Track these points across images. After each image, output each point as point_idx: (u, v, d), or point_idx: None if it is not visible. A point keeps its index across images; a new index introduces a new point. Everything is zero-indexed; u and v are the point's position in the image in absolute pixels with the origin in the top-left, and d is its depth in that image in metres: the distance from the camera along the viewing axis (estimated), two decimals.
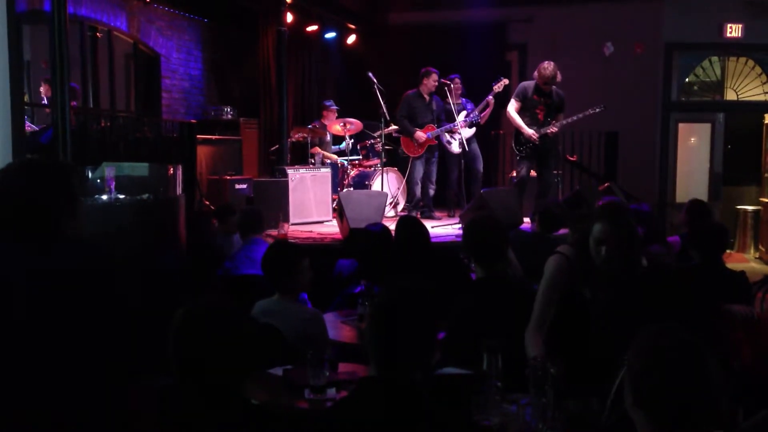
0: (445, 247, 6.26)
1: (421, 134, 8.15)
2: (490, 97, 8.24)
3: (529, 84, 7.40)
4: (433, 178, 8.49)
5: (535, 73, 7.27)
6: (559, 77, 7.21)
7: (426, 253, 4.46)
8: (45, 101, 7.20)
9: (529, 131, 7.24)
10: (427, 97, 8.28)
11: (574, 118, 7.34)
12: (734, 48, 10.42)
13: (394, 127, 8.42)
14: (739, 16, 10.23)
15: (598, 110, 7.32)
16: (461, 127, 8.17)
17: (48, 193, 1.85)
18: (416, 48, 10.65)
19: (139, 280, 1.81)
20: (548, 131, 7.27)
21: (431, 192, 8.52)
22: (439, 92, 8.38)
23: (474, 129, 8.42)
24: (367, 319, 1.91)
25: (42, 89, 7.38)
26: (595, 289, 3.05)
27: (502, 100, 8.36)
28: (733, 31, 10.26)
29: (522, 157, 7.42)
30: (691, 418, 1.55)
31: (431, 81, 8.19)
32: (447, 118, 8.45)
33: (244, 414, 2.12)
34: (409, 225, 4.66)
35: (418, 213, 8.21)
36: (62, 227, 1.83)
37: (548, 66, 7.15)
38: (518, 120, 7.29)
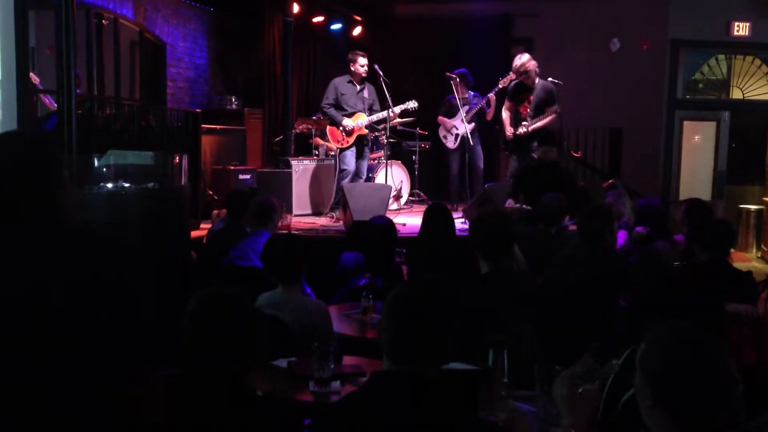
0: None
1: (348, 122, 7.70)
2: (491, 94, 8.15)
3: (514, 80, 7.38)
4: (364, 176, 8.01)
5: None
6: (531, 72, 7.01)
7: (450, 243, 4.44)
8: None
9: (507, 131, 7.22)
10: (357, 85, 7.81)
11: (539, 123, 6.98)
12: (741, 46, 10.39)
13: (398, 119, 8.34)
14: (747, 15, 10.18)
15: (554, 115, 7.02)
16: (464, 121, 8.10)
17: (19, 172, 1.68)
18: (422, 40, 10.64)
19: (144, 269, 1.75)
20: (518, 132, 7.10)
21: None
22: (445, 87, 8.33)
23: (473, 124, 8.22)
24: (384, 312, 1.88)
25: None
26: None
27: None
28: (741, 29, 10.22)
29: (508, 154, 7.48)
30: (717, 414, 1.53)
31: (358, 66, 7.68)
32: (450, 113, 8.41)
33: (249, 404, 2.12)
34: (437, 213, 4.66)
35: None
36: (61, 213, 1.71)
37: (519, 58, 7.11)
38: (504, 117, 7.33)
